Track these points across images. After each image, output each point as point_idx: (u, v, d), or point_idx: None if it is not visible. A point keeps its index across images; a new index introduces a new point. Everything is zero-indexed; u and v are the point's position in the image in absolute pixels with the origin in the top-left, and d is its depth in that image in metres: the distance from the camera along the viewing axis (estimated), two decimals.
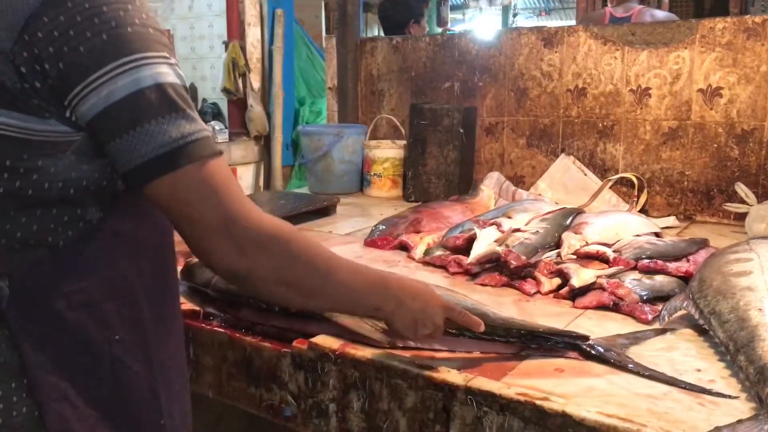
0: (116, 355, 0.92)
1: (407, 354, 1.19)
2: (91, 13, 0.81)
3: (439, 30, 7.38)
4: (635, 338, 1.28)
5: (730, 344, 1.14)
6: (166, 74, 0.84)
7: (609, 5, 3.59)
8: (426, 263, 1.81)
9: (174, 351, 1.03)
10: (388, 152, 2.87)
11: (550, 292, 1.55)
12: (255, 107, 5.36)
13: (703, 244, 1.76)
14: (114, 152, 0.84)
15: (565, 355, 1.21)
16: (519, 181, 2.74)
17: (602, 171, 2.57)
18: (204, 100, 5.93)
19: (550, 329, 1.23)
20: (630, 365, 1.16)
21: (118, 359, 0.92)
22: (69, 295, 0.88)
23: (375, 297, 1.03)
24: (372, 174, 2.89)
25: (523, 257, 1.61)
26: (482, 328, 1.14)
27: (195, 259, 1.44)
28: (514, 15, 13.02)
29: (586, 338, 1.22)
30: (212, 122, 5.39)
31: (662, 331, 1.32)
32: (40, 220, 0.87)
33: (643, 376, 1.13)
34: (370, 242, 2.02)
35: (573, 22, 8.44)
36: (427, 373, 1.11)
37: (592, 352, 1.20)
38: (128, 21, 0.83)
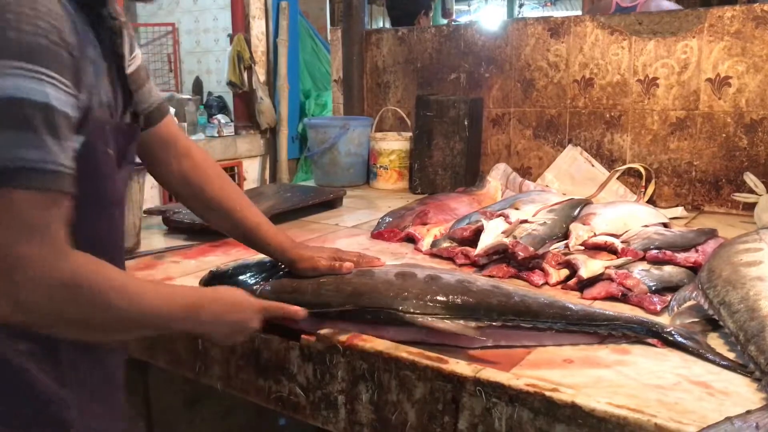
0: (22, 365, 0.91)
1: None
2: None
3: (444, 21, 7.35)
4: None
5: (740, 334, 1.14)
6: (37, 92, 0.79)
7: None
8: (433, 255, 1.81)
9: (96, 359, 1.03)
10: (394, 144, 2.87)
11: (558, 283, 1.55)
12: (264, 100, 5.36)
13: (712, 234, 1.75)
14: None
15: (644, 341, 1.22)
16: (526, 173, 2.73)
17: (609, 162, 2.56)
18: (209, 93, 5.94)
19: (631, 318, 1.25)
20: (708, 354, 1.16)
21: (24, 369, 0.91)
22: None
23: (186, 321, 1.05)
24: (378, 166, 2.89)
25: (531, 248, 1.61)
26: (302, 314, 1.20)
27: (222, 268, 1.45)
28: (520, 5, 12.94)
29: (665, 326, 1.23)
30: (218, 116, 5.41)
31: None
32: None
33: (720, 365, 1.13)
34: (377, 234, 2.02)
35: (579, 13, 8.39)
36: (436, 364, 1.11)
37: (671, 339, 1.21)
38: (15, 25, 0.78)
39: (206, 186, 1.33)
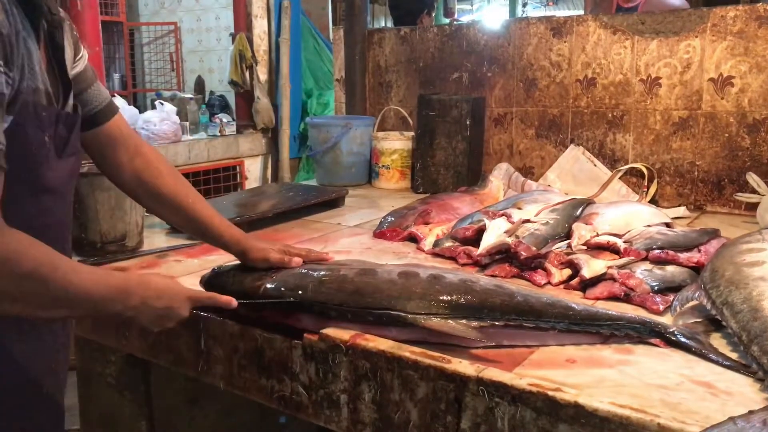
0: None
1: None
2: None
3: (447, 21, 7.35)
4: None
5: (743, 334, 1.13)
6: None
7: None
8: (435, 255, 1.81)
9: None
10: (396, 144, 2.86)
11: (561, 283, 1.55)
12: (261, 99, 5.36)
13: (715, 234, 1.74)
14: None
15: (647, 341, 1.22)
16: (528, 172, 2.73)
17: (612, 161, 2.56)
18: (211, 92, 5.94)
19: (633, 318, 1.25)
20: (711, 354, 1.16)
21: None
22: None
23: (116, 303, 1.09)
24: (380, 166, 2.89)
25: (533, 248, 1.61)
26: (234, 304, 1.24)
27: (225, 267, 1.45)
28: (524, 5, 12.93)
29: (668, 326, 1.23)
30: (220, 114, 5.40)
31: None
32: None
33: (723, 365, 1.13)
34: (379, 234, 2.01)
35: (581, 12, 8.37)
36: (439, 364, 1.11)
37: (674, 339, 1.21)
38: None
39: (158, 182, 1.36)
